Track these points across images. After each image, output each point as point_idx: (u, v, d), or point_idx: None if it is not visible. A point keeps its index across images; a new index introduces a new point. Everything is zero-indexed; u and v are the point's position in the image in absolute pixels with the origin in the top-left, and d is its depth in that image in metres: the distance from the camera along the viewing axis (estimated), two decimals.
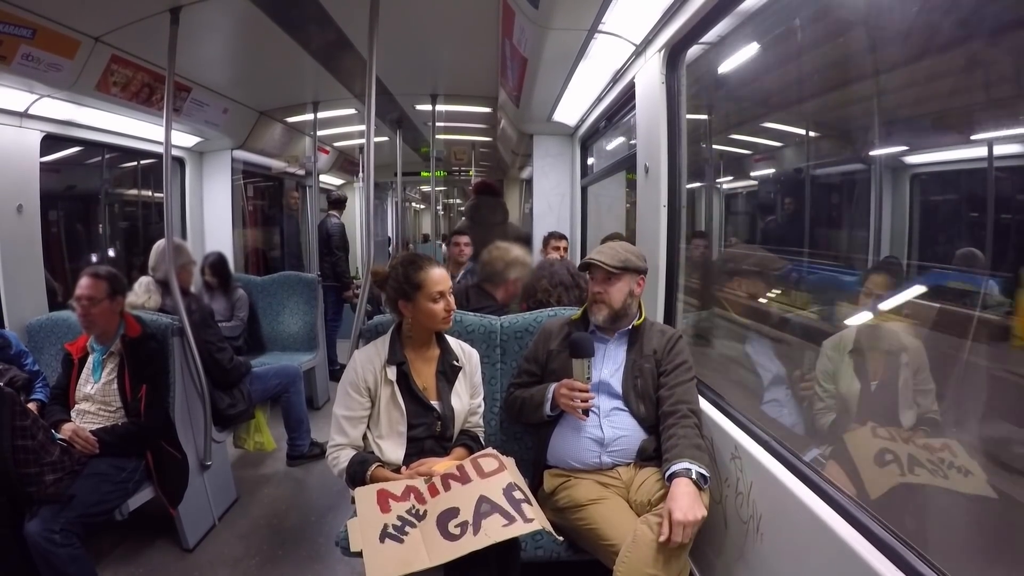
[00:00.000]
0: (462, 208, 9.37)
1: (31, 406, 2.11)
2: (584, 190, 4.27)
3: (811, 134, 2.24)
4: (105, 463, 2.02)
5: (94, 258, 3.81)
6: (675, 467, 1.55)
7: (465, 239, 3.44)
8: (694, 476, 1.52)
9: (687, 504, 1.44)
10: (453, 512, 1.41)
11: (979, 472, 1.24)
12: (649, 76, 2.28)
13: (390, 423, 1.74)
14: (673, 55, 2.13)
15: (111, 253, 3.98)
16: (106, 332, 2.18)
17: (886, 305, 1.60)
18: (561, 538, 1.55)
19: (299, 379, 3.25)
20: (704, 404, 1.85)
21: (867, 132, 1.81)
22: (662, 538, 1.42)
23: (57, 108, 2.84)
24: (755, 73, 2.29)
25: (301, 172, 5.99)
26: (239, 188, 4.95)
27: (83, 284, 2.11)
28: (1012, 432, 1.18)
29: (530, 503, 1.44)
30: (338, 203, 5.34)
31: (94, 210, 3.89)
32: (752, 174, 2.84)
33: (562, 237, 3.79)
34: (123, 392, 2.14)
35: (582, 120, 3.83)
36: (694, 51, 2.13)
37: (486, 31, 2.86)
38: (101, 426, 2.10)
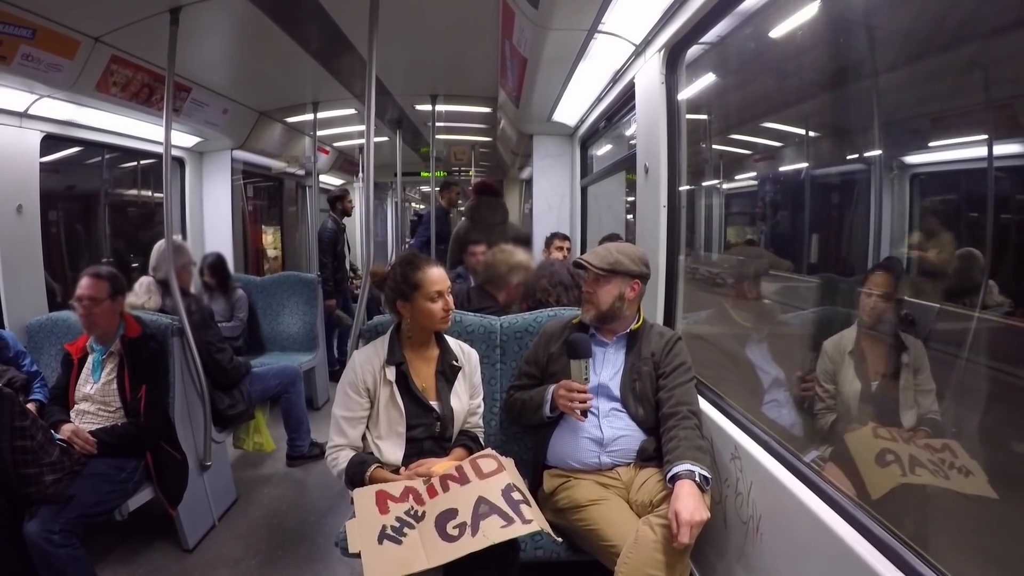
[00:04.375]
0: (462, 208, 9.37)
1: (30, 406, 2.10)
2: (584, 190, 4.27)
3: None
4: (104, 463, 2.02)
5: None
6: (677, 468, 1.54)
7: (482, 248, 3.36)
8: (697, 478, 1.52)
9: (692, 505, 1.44)
10: (452, 513, 1.41)
11: (980, 472, 1.24)
12: (649, 76, 2.27)
13: (389, 424, 1.74)
14: (673, 55, 2.13)
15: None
16: (106, 332, 2.17)
17: None
18: (560, 539, 1.55)
19: (299, 379, 3.25)
20: (704, 404, 1.84)
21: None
22: (673, 542, 1.42)
23: (57, 108, 2.84)
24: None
25: (301, 172, 5.98)
26: (239, 188, 4.94)
27: (84, 284, 2.11)
28: None
29: (529, 504, 1.44)
30: (334, 202, 5.03)
31: (94, 210, 3.89)
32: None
33: (565, 238, 3.79)
34: (123, 392, 2.13)
35: (582, 120, 3.83)
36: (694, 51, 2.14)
37: (486, 31, 2.86)
38: (101, 426, 2.10)
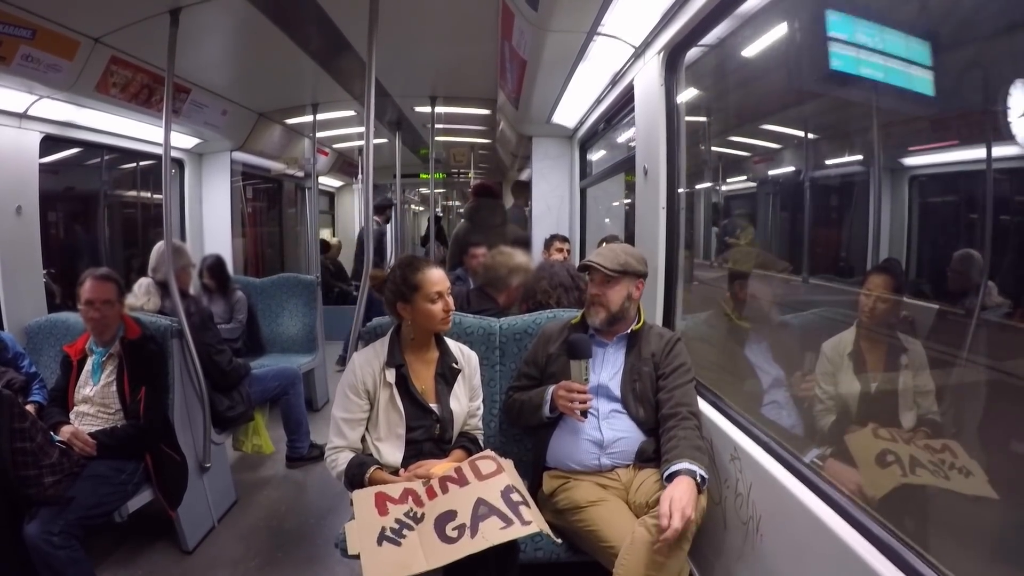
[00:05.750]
0: (461, 210, 9.36)
1: (29, 408, 2.10)
2: (583, 192, 4.28)
3: None
4: (104, 465, 2.02)
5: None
6: (675, 467, 1.54)
7: (483, 250, 3.36)
8: (697, 478, 1.52)
9: (687, 497, 1.44)
10: (451, 515, 1.41)
11: (979, 473, 1.24)
12: (648, 78, 2.28)
13: (389, 425, 1.74)
14: (672, 57, 2.13)
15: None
16: (110, 334, 2.17)
17: None
18: (560, 540, 1.55)
19: (298, 381, 3.25)
20: (703, 405, 1.84)
21: None
22: (664, 534, 1.40)
23: (56, 109, 2.83)
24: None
25: (300, 174, 5.99)
26: (238, 190, 4.94)
27: (95, 287, 2.10)
28: None
29: (528, 505, 1.44)
30: (379, 209, 5.41)
31: (93, 211, 3.89)
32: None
33: (565, 240, 3.79)
34: (122, 394, 2.13)
35: (581, 122, 3.83)
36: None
37: (485, 33, 2.86)
38: (100, 428, 2.10)
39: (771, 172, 2.54)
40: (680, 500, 1.42)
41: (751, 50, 2.11)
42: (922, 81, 1.36)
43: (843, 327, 1.73)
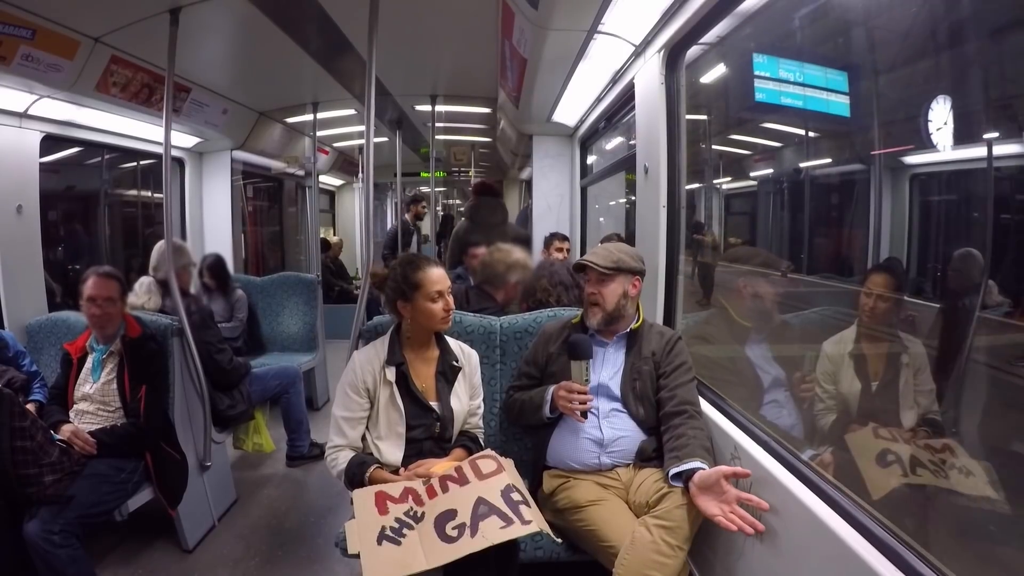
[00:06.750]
0: (461, 209, 9.35)
1: (29, 407, 2.09)
2: (584, 191, 4.27)
3: None
4: (104, 464, 2.02)
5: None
6: (689, 465, 1.54)
7: (483, 250, 3.36)
8: None
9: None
10: (451, 514, 1.41)
11: (980, 472, 1.24)
12: (649, 76, 2.27)
13: (389, 424, 1.74)
14: (673, 55, 2.13)
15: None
16: (111, 332, 2.18)
17: None
18: (560, 539, 1.55)
19: (299, 380, 3.25)
20: (704, 404, 1.84)
21: None
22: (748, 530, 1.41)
23: (57, 109, 2.84)
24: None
25: (300, 173, 5.99)
26: (239, 189, 4.95)
27: (98, 284, 2.10)
28: None
29: (528, 505, 1.44)
30: (409, 203, 5.45)
31: (94, 211, 3.89)
32: None
33: (564, 239, 3.78)
34: (122, 392, 2.13)
35: (581, 121, 3.82)
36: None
37: (486, 32, 2.86)
38: (100, 427, 2.10)
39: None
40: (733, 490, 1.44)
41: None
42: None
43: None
